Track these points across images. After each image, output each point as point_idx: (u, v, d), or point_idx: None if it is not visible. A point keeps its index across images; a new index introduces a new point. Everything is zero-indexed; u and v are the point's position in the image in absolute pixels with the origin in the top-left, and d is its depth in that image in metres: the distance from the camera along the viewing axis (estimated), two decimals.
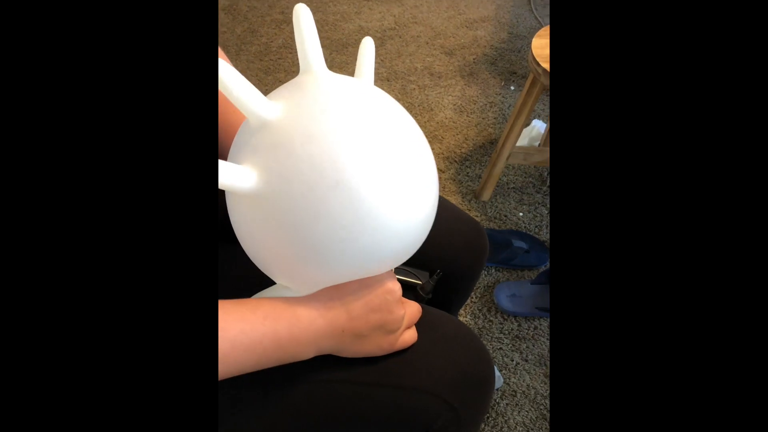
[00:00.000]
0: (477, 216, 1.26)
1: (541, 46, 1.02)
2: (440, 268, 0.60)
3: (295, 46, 0.44)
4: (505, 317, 1.07)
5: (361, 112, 0.38)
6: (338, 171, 0.37)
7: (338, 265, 0.40)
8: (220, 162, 0.35)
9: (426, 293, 0.55)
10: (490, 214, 1.26)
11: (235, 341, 0.38)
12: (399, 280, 0.50)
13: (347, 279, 0.42)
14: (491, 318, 1.07)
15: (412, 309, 0.48)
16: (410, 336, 0.48)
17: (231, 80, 0.36)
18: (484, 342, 1.04)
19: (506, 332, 1.05)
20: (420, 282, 0.56)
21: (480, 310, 1.08)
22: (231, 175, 0.36)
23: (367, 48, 0.46)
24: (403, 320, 0.46)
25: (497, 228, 1.23)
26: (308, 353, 0.42)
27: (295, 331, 0.41)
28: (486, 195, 1.28)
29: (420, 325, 0.50)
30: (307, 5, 0.46)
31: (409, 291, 0.55)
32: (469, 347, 0.51)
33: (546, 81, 0.99)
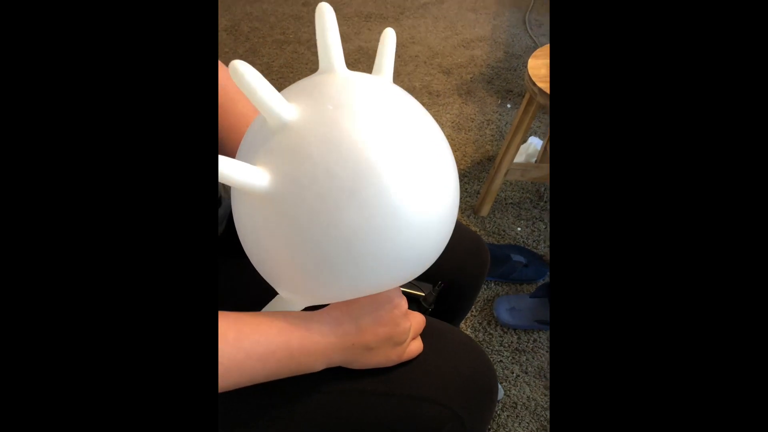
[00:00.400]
0: (476, 231, 1.28)
1: (536, 66, 1.05)
2: (442, 281, 0.62)
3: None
4: (505, 330, 1.09)
5: (382, 117, 0.38)
6: (355, 180, 0.36)
7: (347, 277, 0.40)
8: (234, 161, 0.35)
9: (428, 304, 0.57)
10: (488, 229, 1.29)
11: (250, 352, 0.40)
12: (403, 291, 0.52)
13: (354, 295, 0.43)
14: (491, 331, 1.09)
15: (418, 320, 0.50)
16: (416, 347, 0.50)
17: (254, 81, 0.35)
18: None
19: (506, 345, 1.07)
20: (423, 293, 0.58)
21: (480, 324, 1.10)
22: (244, 174, 0.36)
23: (388, 41, 0.44)
24: (409, 332, 0.48)
25: (496, 243, 1.26)
26: (319, 366, 0.44)
27: (307, 345, 0.42)
28: (485, 210, 1.31)
29: (425, 336, 0.52)
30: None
31: (412, 302, 0.56)
32: (473, 357, 0.53)
33: (542, 100, 1.02)
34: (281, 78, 1.72)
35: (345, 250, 0.38)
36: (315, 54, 0.34)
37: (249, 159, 0.38)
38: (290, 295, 0.44)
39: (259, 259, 0.42)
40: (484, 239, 1.26)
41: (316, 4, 0.42)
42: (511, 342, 1.07)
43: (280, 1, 2.00)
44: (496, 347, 1.07)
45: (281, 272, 0.41)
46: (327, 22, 0.40)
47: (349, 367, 0.47)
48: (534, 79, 1.02)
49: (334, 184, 0.36)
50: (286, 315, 0.43)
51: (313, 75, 0.41)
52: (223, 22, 1.94)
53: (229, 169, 0.35)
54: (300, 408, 0.48)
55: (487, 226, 1.29)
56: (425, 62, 1.80)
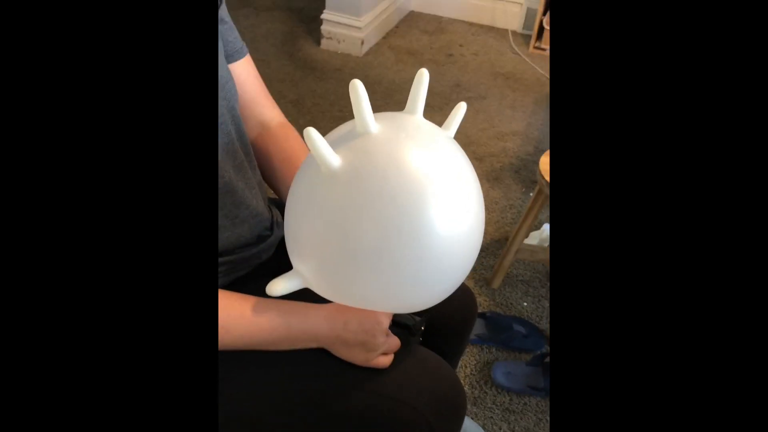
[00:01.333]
0: (486, 301, 1.42)
1: (547, 162, 1.23)
2: (435, 323, 0.76)
3: None
4: (499, 391, 1.21)
5: (438, 153, 0.47)
6: (401, 194, 0.44)
7: (357, 277, 0.47)
8: (323, 138, 0.44)
9: (416, 331, 0.70)
10: (497, 301, 1.43)
11: (261, 326, 0.57)
12: (396, 316, 0.66)
13: (353, 302, 0.52)
14: (486, 390, 1.21)
15: (392, 342, 0.63)
16: (383, 360, 0.63)
17: (362, 96, 0.45)
18: (478, 410, 1.17)
19: (498, 404, 1.18)
20: (411, 323, 0.71)
21: (477, 382, 1.22)
22: (325, 149, 0.44)
23: (460, 111, 0.53)
24: (381, 346, 0.61)
25: (502, 313, 1.39)
26: (309, 344, 0.60)
27: (304, 327, 0.59)
28: (496, 283, 1.45)
29: (412, 356, 0.66)
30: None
31: (402, 328, 0.69)
32: (447, 377, 0.68)
33: (547, 191, 1.19)
34: None
35: (368, 254, 0.45)
36: None
37: (333, 143, 0.47)
38: (300, 267, 0.52)
39: (295, 224, 0.50)
40: (491, 308, 1.40)
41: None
42: (503, 402, 1.18)
43: (341, 83, 2.29)
44: (489, 405, 1.18)
45: (307, 243, 0.49)
46: (423, 82, 0.51)
47: (330, 351, 0.61)
48: (543, 173, 1.20)
49: (382, 187, 0.44)
50: (292, 303, 0.58)
51: (401, 112, 0.52)
52: (290, 95, 2.23)
53: (318, 139, 0.44)
54: (291, 387, 0.61)
55: (497, 297, 1.43)
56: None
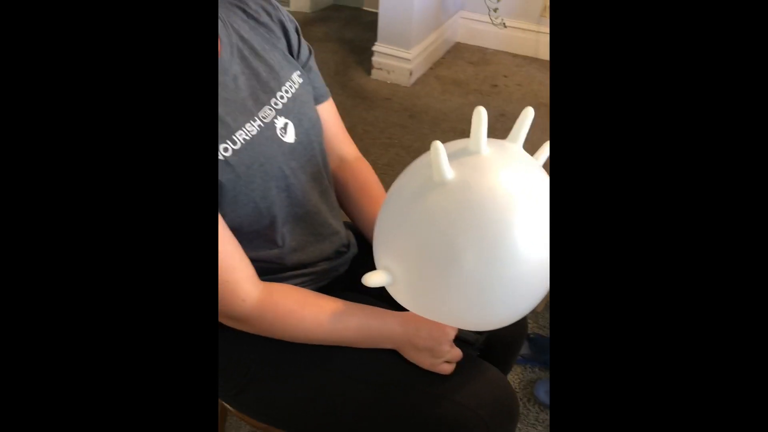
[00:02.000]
0: (531, 323, 1.49)
1: None
2: (491, 339, 0.84)
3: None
4: (541, 408, 1.27)
5: (532, 179, 0.52)
6: (508, 220, 0.47)
7: (443, 288, 0.50)
8: (445, 152, 0.48)
9: (477, 345, 0.79)
10: (541, 323, 1.49)
11: (347, 324, 0.67)
12: (461, 332, 0.75)
13: (429, 314, 0.57)
14: (530, 407, 1.27)
15: (455, 352, 0.71)
16: (446, 368, 0.71)
17: (483, 121, 0.49)
18: (522, 426, 1.24)
19: (540, 421, 1.24)
20: (472, 339, 0.80)
21: (521, 399, 1.29)
22: (444, 161, 0.49)
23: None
24: (446, 354, 0.70)
25: (546, 336, 1.46)
26: (383, 345, 0.69)
27: (382, 330, 0.69)
28: (540, 307, 1.52)
29: (473, 366, 0.74)
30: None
31: (464, 343, 0.78)
32: (503, 386, 0.76)
33: None
34: (384, 174, 2.05)
35: (460, 260, 0.48)
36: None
37: (451, 154, 0.51)
38: (388, 264, 0.55)
39: (393, 225, 0.54)
40: (536, 331, 1.47)
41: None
42: (545, 419, 1.25)
43: (390, 112, 2.42)
44: (532, 421, 1.24)
45: (402, 243, 0.53)
46: (527, 119, 0.55)
47: (401, 353, 0.70)
48: None
49: (488, 202, 0.48)
50: (373, 308, 0.69)
51: (505, 140, 0.56)
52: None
53: (442, 151, 0.48)
54: (359, 384, 0.70)
55: (540, 320, 1.50)
56: None
